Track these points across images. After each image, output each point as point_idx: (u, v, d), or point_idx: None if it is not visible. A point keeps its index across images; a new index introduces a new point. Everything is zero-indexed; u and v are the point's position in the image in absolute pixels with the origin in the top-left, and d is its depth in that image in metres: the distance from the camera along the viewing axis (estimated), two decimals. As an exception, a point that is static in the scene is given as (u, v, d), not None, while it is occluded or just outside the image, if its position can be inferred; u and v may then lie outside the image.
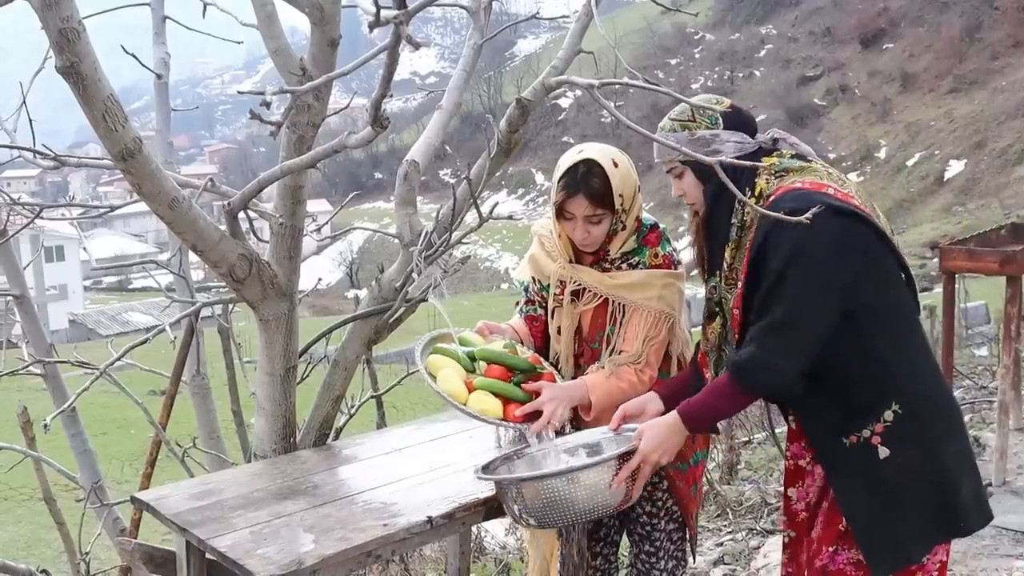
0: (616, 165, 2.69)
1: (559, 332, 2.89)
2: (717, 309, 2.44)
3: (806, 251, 2.14)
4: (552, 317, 2.93)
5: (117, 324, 43.45)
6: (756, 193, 2.30)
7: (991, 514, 2.36)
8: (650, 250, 2.81)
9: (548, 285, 2.91)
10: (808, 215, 1.87)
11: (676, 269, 2.83)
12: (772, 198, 2.25)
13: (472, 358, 2.79)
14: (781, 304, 2.17)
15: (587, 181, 2.65)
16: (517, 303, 3.10)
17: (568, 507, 2.19)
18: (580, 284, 2.82)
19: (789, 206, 2.11)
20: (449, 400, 2.59)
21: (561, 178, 2.70)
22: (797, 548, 2.48)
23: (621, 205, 2.69)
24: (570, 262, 2.85)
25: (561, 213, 2.73)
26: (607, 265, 2.82)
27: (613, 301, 2.80)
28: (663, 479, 2.92)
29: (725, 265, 2.36)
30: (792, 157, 2.34)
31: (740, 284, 2.30)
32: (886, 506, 2.23)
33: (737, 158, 2.29)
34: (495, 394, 2.66)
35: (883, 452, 2.21)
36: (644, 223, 2.85)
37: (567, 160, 2.72)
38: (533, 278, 2.98)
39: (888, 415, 2.20)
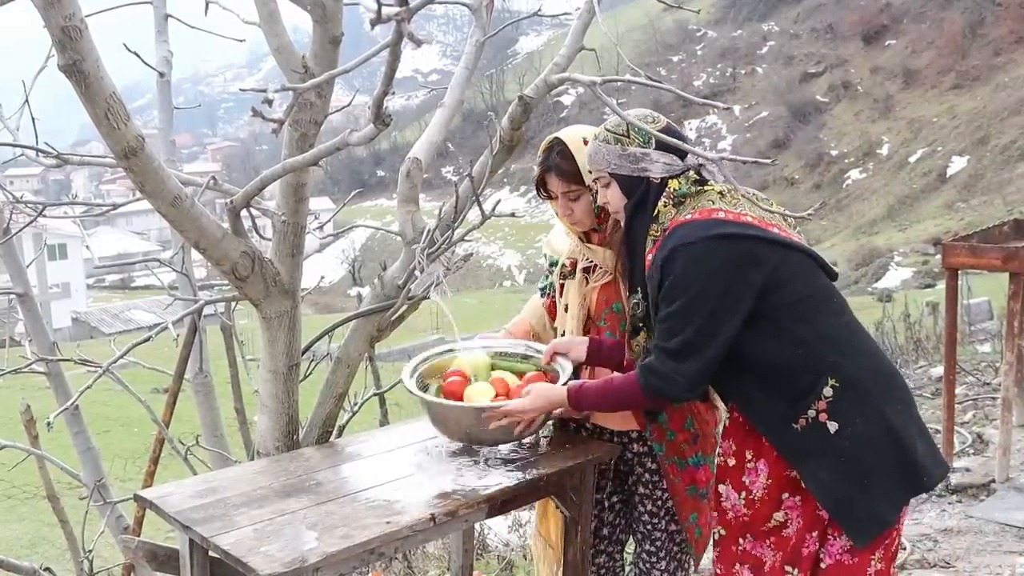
0: (587, 143, 2.73)
1: (566, 309, 2.93)
2: (641, 325, 2.57)
3: (691, 282, 2.29)
4: (561, 295, 2.96)
5: (120, 322, 43.50)
6: (657, 219, 2.44)
7: (947, 466, 2.49)
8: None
9: (557, 260, 2.98)
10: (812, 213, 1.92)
11: None
12: (667, 231, 2.39)
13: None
14: (676, 335, 2.33)
15: (555, 160, 2.75)
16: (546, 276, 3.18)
17: (447, 427, 2.70)
18: (591, 261, 2.87)
19: (676, 241, 2.31)
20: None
21: (537, 158, 2.82)
22: (728, 546, 2.54)
23: (595, 181, 2.72)
24: (581, 241, 2.89)
25: (548, 193, 2.83)
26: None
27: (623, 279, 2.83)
28: (663, 477, 2.92)
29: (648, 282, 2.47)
30: (694, 182, 2.44)
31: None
32: (852, 478, 2.31)
33: (664, 178, 2.44)
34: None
35: (832, 426, 2.31)
36: None
37: (544, 142, 2.83)
38: (545, 254, 3.08)
39: (827, 391, 2.31)
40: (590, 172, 2.59)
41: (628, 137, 2.44)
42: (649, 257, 2.43)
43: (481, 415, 2.58)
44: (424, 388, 2.81)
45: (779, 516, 2.42)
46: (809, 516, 2.38)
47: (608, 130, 2.48)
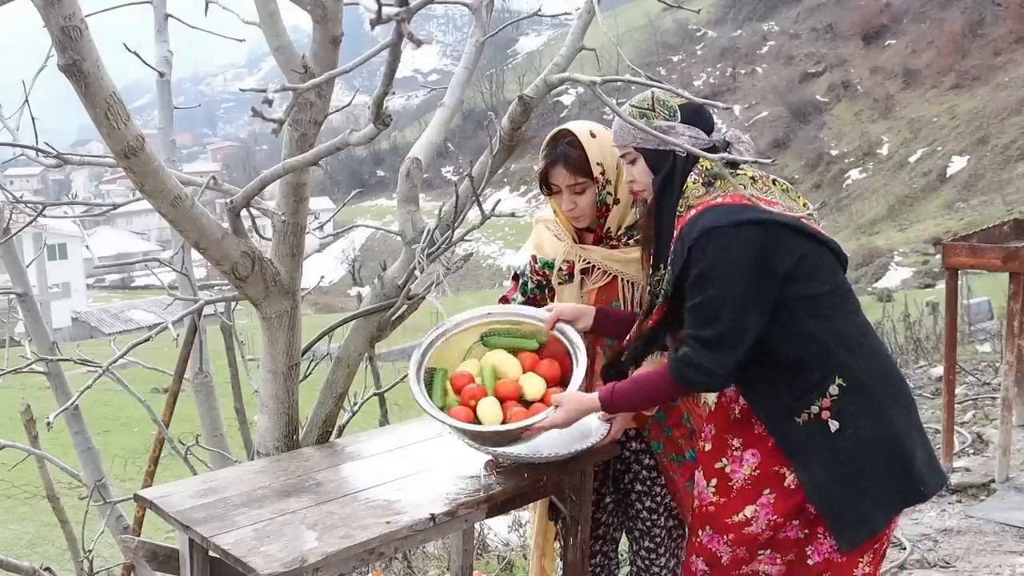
0: (594, 136, 2.76)
1: None
2: (658, 301, 2.51)
3: (722, 269, 2.26)
4: (553, 299, 2.95)
5: (120, 322, 43.52)
6: (684, 194, 2.41)
7: (945, 476, 2.48)
8: None
9: (551, 262, 2.93)
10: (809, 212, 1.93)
11: None
12: (694, 212, 2.35)
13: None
14: (712, 323, 2.29)
15: (564, 151, 2.75)
16: (503, 298, 3.08)
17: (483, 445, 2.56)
18: (589, 263, 2.84)
19: (706, 223, 2.28)
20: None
21: (543, 150, 2.80)
22: (690, 536, 2.57)
23: (602, 174, 2.75)
24: (575, 241, 2.87)
25: (549, 187, 2.82)
26: (613, 242, 2.85)
27: (622, 279, 2.83)
28: (660, 474, 2.92)
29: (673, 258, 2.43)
30: (727, 164, 2.40)
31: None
32: (846, 479, 2.31)
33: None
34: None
35: (833, 425, 2.31)
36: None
37: (549, 134, 2.82)
38: (533, 256, 3.00)
39: (833, 389, 2.31)
40: (616, 148, 2.56)
41: (653, 111, 2.43)
42: (675, 233, 2.39)
43: (518, 436, 2.52)
44: (430, 377, 2.69)
45: (749, 511, 2.41)
46: (791, 507, 2.37)
47: (633, 105, 2.47)
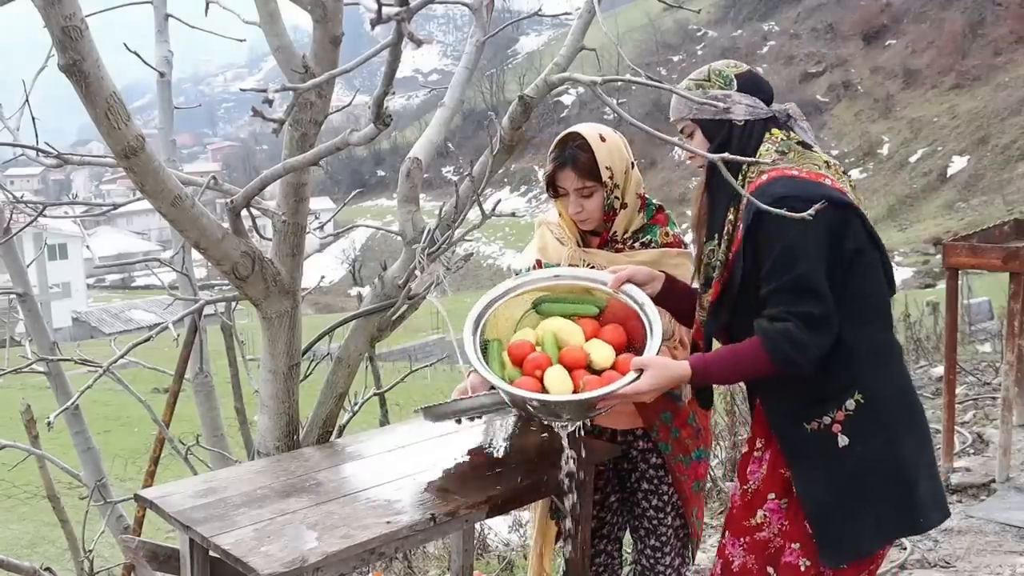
0: (603, 139, 2.75)
1: None
2: (714, 274, 2.41)
3: (808, 245, 2.17)
4: None
5: (120, 322, 43.59)
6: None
7: (948, 511, 2.40)
8: (661, 229, 2.83)
9: (555, 266, 2.90)
10: (811, 211, 1.92)
11: (685, 249, 2.85)
12: (766, 177, 2.27)
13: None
14: (812, 302, 2.17)
15: (573, 153, 2.74)
16: None
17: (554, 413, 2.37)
18: (593, 267, 2.83)
19: (780, 191, 2.18)
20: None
21: (551, 152, 2.80)
22: (721, 540, 2.53)
23: (610, 178, 2.74)
24: (579, 245, 2.86)
25: (556, 190, 2.81)
26: (619, 245, 2.84)
27: None
28: (667, 473, 2.92)
29: (728, 226, 2.35)
30: (798, 143, 2.37)
31: (732, 251, 2.33)
32: (844, 496, 2.25)
33: (748, 121, 2.36)
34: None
35: (842, 440, 2.25)
36: (650, 202, 2.86)
37: (558, 136, 2.82)
38: (539, 260, 2.97)
39: (850, 404, 2.25)
40: (673, 122, 2.49)
41: (709, 81, 2.40)
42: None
43: (595, 406, 2.32)
44: (484, 349, 2.53)
45: (759, 516, 2.38)
46: (795, 525, 2.34)
47: (691, 78, 2.44)
